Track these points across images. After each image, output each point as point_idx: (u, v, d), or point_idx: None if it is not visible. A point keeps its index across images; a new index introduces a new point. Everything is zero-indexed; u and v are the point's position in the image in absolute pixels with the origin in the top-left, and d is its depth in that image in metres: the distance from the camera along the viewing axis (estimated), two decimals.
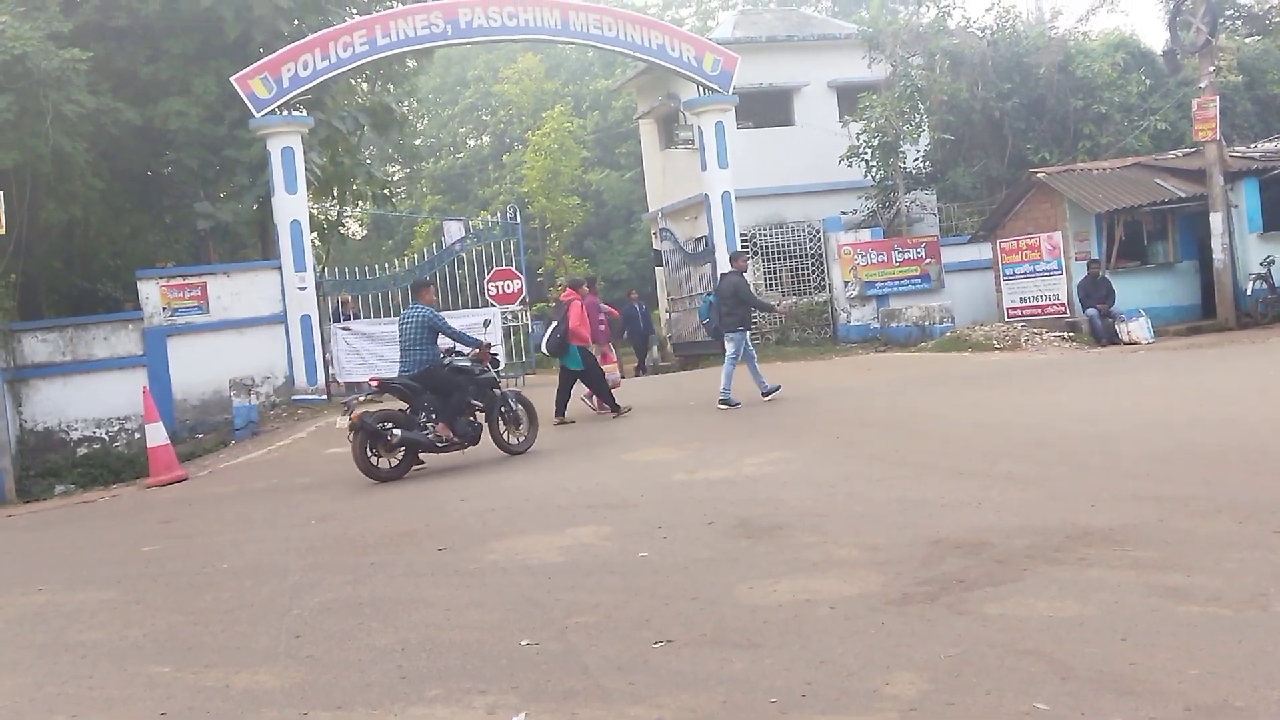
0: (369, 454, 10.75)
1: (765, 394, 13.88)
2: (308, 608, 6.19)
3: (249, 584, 7.07)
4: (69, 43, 16.70)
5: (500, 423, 11.57)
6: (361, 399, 11.18)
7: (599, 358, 14.32)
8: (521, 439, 11.70)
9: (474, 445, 11.45)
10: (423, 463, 11.30)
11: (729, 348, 14.05)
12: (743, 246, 21.77)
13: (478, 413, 11.41)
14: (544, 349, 14.02)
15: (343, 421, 10.85)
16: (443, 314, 19.03)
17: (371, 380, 11.52)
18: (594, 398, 14.56)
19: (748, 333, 14.24)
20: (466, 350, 11.52)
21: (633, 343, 24.05)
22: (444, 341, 11.31)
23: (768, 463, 9.47)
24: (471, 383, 11.28)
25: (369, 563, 7.25)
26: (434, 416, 11.03)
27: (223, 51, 19.12)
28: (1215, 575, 5.12)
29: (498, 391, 11.57)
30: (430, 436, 10.94)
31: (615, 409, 14.02)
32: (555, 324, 13.79)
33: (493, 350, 12.05)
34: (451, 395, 11.10)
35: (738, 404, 13.59)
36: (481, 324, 13.79)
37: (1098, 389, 12.64)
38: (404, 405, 11.16)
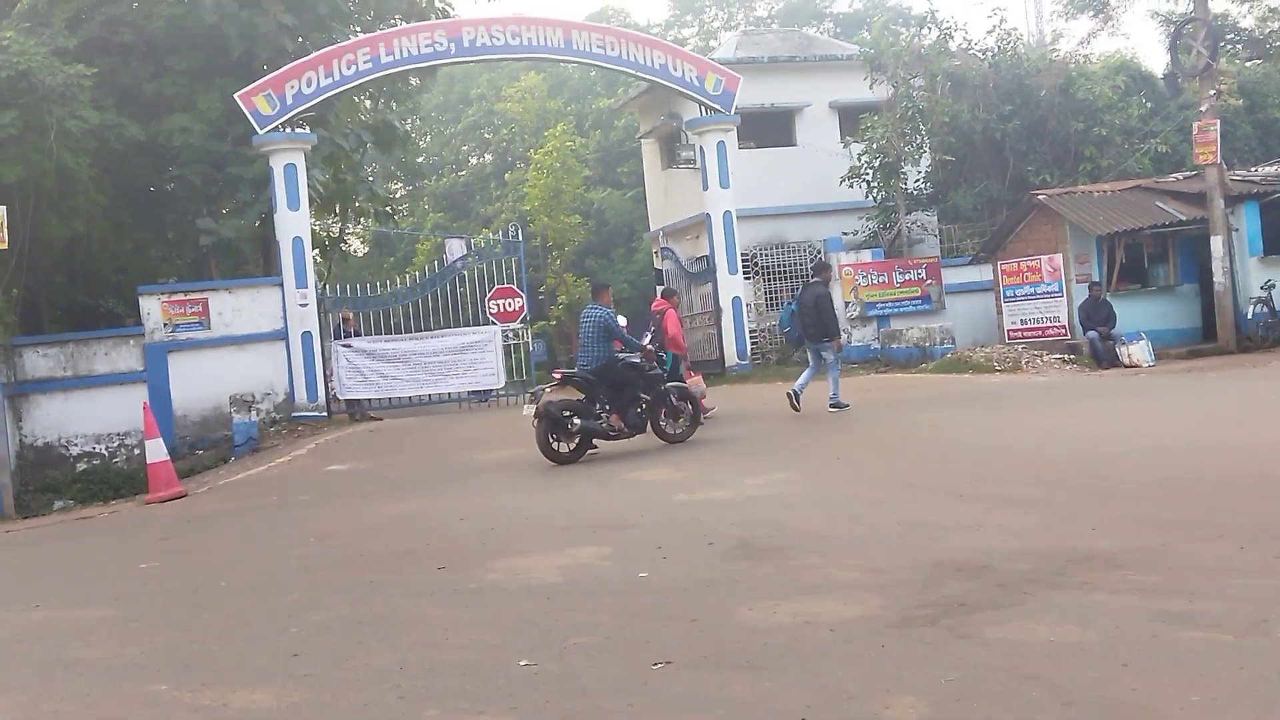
0: (550, 439, 11.78)
1: (796, 403, 13.96)
2: (306, 627, 6.17)
3: (247, 602, 7.04)
4: (74, 58, 16.78)
5: (662, 415, 12.43)
6: (547, 389, 12.24)
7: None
8: (680, 430, 12.49)
9: (640, 434, 12.31)
10: (596, 448, 12.19)
11: (826, 356, 14.24)
12: (744, 266, 21.79)
13: (644, 405, 12.33)
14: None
15: (529, 409, 11.94)
16: (441, 331, 19.32)
17: (556, 373, 12.82)
18: None
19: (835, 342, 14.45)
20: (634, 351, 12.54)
21: None
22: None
23: (768, 484, 9.45)
24: (641, 378, 12.23)
25: (368, 582, 7.22)
26: (607, 407, 12.05)
27: (227, 68, 19.19)
28: (1217, 601, 5.10)
29: (660, 387, 12.46)
30: (604, 425, 11.99)
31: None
32: (652, 333, 14.29)
33: (659, 352, 13.22)
34: (625, 389, 12.13)
35: (846, 405, 13.96)
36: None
37: (1099, 412, 12.63)
38: (580, 396, 12.12)
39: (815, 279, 14.71)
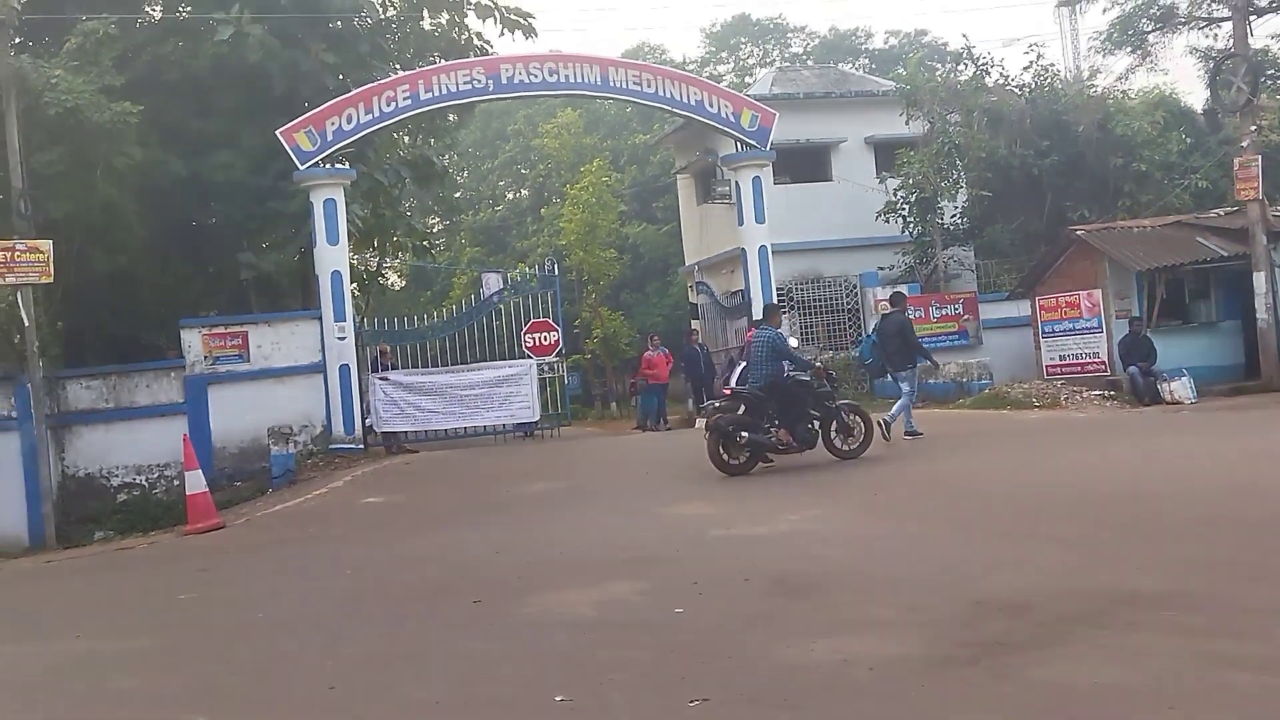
0: (721, 451, 12.38)
1: (908, 433, 14.33)
2: (342, 660, 6.18)
3: (285, 634, 7.06)
4: (121, 96, 17.07)
5: (833, 431, 12.79)
6: (718, 404, 12.81)
7: None
8: (852, 446, 12.82)
9: (810, 449, 12.60)
10: (771, 460, 12.71)
11: (904, 385, 14.55)
12: (779, 301, 21.76)
13: (815, 421, 12.73)
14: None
15: (701, 422, 12.72)
16: (478, 365, 19.41)
17: (725, 389, 13.43)
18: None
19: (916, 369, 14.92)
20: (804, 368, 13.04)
21: (691, 385, 23.61)
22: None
23: (804, 520, 9.38)
24: (810, 395, 12.70)
25: (404, 615, 7.23)
26: (777, 423, 12.51)
27: (269, 105, 19.47)
28: (1266, 643, 5.00)
29: (831, 404, 12.86)
30: (772, 439, 12.46)
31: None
32: (745, 364, 14.50)
33: (829, 370, 13.68)
34: (793, 405, 12.59)
35: (921, 433, 14.25)
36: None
37: (1141, 449, 12.46)
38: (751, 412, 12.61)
39: (895, 309, 15.11)
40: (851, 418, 12.89)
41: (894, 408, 14.43)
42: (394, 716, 5.07)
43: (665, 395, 23.25)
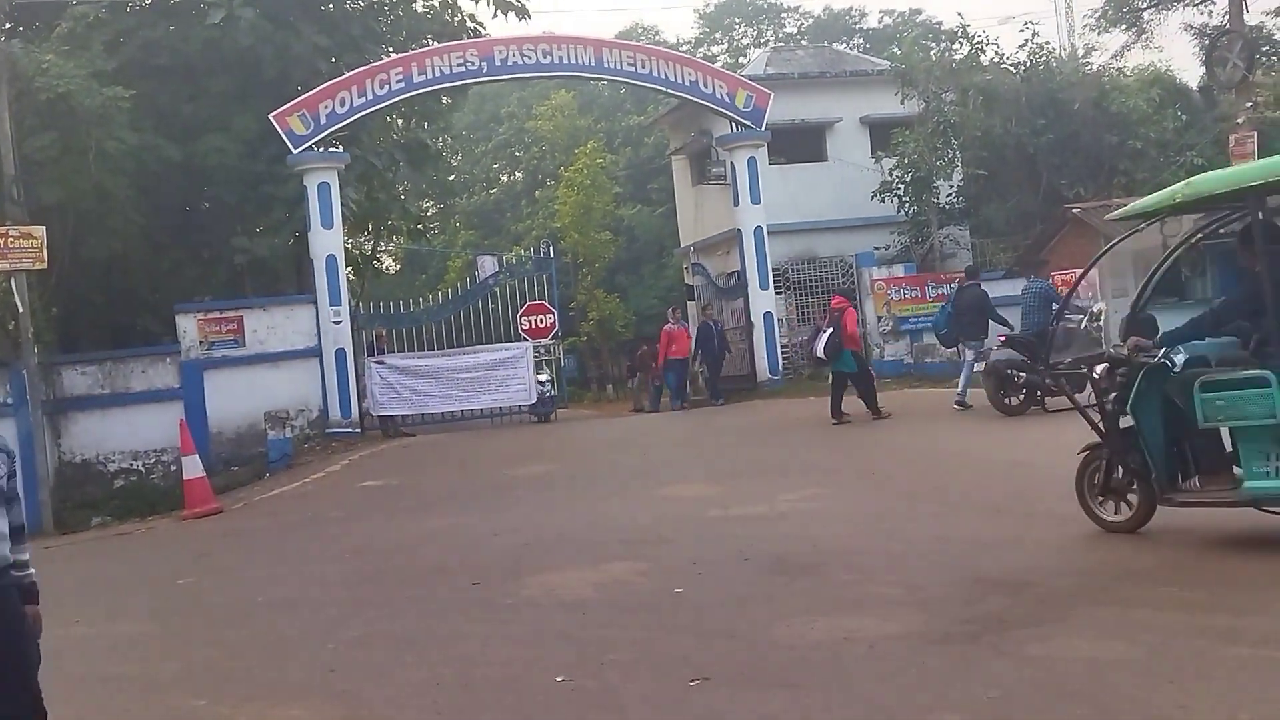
0: (999, 393, 13.38)
1: (958, 403, 14.56)
2: (342, 642, 6.18)
3: (284, 617, 7.07)
4: (112, 81, 16.98)
5: None
6: (995, 348, 13.69)
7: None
8: None
9: (1080, 392, 12.72)
10: (1043, 404, 13.29)
11: (968, 354, 15.00)
12: (775, 281, 21.74)
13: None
14: (821, 354, 15.04)
15: (980, 365, 13.95)
16: (474, 348, 19.39)
17: (1000, 335, 14.22)
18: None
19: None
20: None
21: (706, 362, 23.41)
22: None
23: (803, 499, 9.39)
24: None
25: (403, 597, 7.23)
26: None
27: (262, 89, 19.38)
28: (1264, 616, 5.02)
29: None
30: (1047, 381, 12.93)
31: (877, 412, 14.66)
32: (830, 331, 14.91)
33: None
34: None
35: (970, 406, 14.39)
36: None
37: None
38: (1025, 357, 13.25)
39: (970, 282, 15.51)
40: None
41: (960, 383, 14.72)
42: (394, 698, 5.08)
43: (687, 371, 23.01)
